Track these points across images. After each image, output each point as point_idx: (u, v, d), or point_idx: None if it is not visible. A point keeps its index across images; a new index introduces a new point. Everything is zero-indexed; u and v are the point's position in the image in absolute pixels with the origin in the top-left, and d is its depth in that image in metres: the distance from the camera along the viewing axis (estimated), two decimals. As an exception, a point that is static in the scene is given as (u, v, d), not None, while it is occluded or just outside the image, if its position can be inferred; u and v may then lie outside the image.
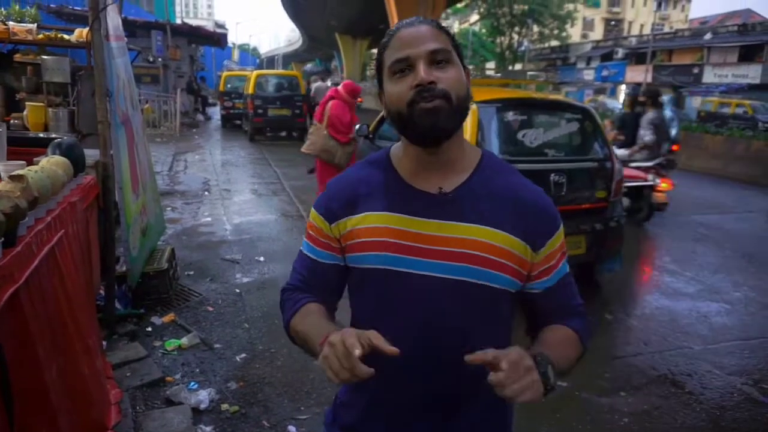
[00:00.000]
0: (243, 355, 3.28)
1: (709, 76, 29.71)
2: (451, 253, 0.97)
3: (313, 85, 15.18)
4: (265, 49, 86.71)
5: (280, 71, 16.82)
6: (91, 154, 3.28)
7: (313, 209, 1.10)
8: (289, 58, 73.17)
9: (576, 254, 4.20)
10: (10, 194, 1.81)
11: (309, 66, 41.07)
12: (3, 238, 1.65)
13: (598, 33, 52.30)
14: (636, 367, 3.34)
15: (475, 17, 44.36)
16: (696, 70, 30.73)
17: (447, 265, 0.97)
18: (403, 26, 0.99)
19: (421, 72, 0.93)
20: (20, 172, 2.10)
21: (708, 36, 31.27)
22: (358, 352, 0.80)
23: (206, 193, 7.97)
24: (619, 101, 30.92)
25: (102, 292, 3.44)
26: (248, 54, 70.02)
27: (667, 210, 6.80)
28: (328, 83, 14.14)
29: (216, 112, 20.24)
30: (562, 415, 2.82)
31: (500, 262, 0.97)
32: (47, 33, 4.53)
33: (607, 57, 37.81)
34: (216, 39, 23.55)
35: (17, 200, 1.82)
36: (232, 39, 49.79)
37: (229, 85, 17.46)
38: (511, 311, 1.07)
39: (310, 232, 1.11)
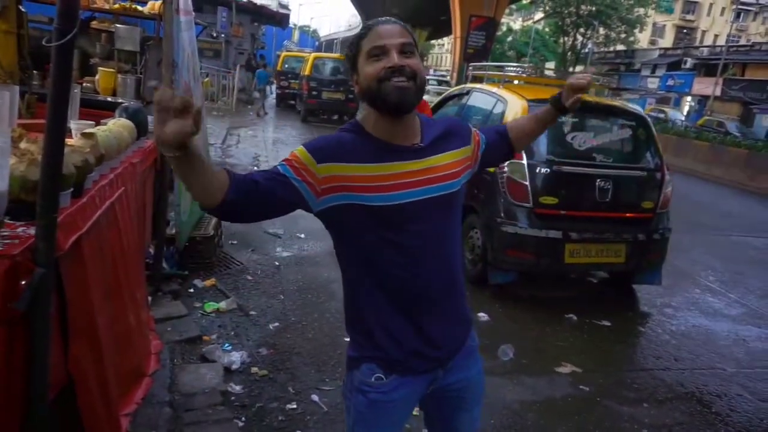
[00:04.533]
0: (276, 324, 3.43)
1: (785, 94, 28.01)
2: (437, 177, 1.31)
3: None
4: (325, 32, 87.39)
5: (338, 55, 17.00)
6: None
7: (302, 147, 1.26)
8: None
9: (615, 262, 4.16)
10: (81, 149, 1.98)
11: None
12: (72, 189, 1.81)
13: (668, 40, 50.08)
14: (663, 381, 3.30)
15: (539, 15, 43.29)
16: (770, 87, 29.04)
17: (437, 187, 1.30)
18: (379, 23, 1.26)
19: (395, 57, 1.21)
20: (90, 130, 2.27)
21: (788, 51, 29.45)
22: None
23: (255, 167, 8.22)
24: (683, 113, 29.63)
25: (151, 251, 3.66)
26: (308, 36, 70.70)
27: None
28: None
29: (272, 91, 20.63)
30: (581, 419, 2.83)
31: (462, 169, 1.39)
32: (122, 3, 4.78)
33: (674, 66, 36.22)
34: (278, 19, 23.98)
35: (87, 155, 1.98)
36: (293, 20, 50.42)
37: (286, 65, 17.79)
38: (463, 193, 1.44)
39: (293, 161, 1.23)
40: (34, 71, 4.06)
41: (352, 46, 1.28)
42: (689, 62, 35.12)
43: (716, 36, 49.96)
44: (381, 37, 1.23)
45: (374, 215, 1.25)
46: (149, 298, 3.27)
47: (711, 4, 51.96)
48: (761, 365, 3.69)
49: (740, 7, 44.23)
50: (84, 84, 4.45)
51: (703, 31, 52.26)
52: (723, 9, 51.61)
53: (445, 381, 1.42)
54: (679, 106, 32.74)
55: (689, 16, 52.09)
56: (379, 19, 1.28)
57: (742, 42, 41.74)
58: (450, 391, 1.44)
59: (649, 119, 4.51)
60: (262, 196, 1.19)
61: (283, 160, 1.25)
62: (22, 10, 3.60)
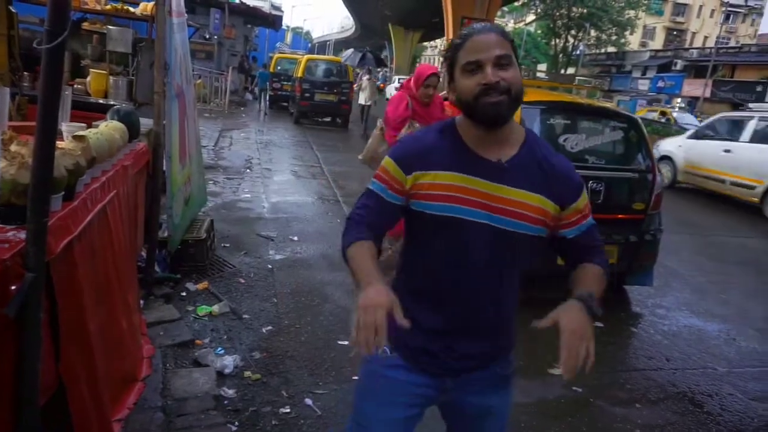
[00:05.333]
0: (269, 327, 3.41)
1: (773, 96, 28.32)
2: (504, 210, 1.27)
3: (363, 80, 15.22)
4: (317, 34, 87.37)
5: (331, 57, 17.02)
6: (145, 123, 3.46)
7: (389, 158, 1.34)
8: (341, 45, 73.49)
9: (606, 264, 4.17)
10: (72, 152, 1.96)
11: (349, 53, 27.32)
12: (63, 192, 1.79)
13: (658, 42, 50.49)
14: (655, 381, 3.32)
15: (531, 17, 43.49)
16: (759, 89, 29.37)
17: (500, 218, 1.26)
18: (475, 32, 1.25)
19: (489, 74, 1.20)
20: (82, 133, 2.26)
21: (776, 53, 29.78)
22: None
23: (248, 170, 8.20)
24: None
25: (143, 254, 3.63)
26: (301, 38, 70.67)
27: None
28: (379, 77, 14.51)
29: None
30: (574, 420, 2.84)
31: (536, 217, 1.28)
32: (114, 4, 4.76)
33: (664, 68, 36.56)
34: (271, 20, 23.93)
35: (78, 158, 1.97)
36: (286, 22, 50.33)
37: (279, 67, 17.73)
38: (535, 250, 1.36)
39: (384, 176, 1.34)
40: (25, 72, 4.04)
41: (450, 55, 1.29)
42: (679, 64, 35.46)
43: (706, 38, 50.41)
44: (476, 51, 1.22)
45: (432, 220, 1.29)
46: (141, 302, 3.25)
47: (701, 6, 52.42)
48: (751, 364, 3.73)
49: (729, 9, 44.68)
50: (75, 86, 4.42)
51: (693, 33, 52.71)
52: (712, 11, 52.08)
53: (461, 397, 1.42)
54: (670, 108, 32.92)
55: (679, 18, 52.54)
56: (476, 27, 1.27)
57: (732, 44, 42.12)
58: (468, 412, 1.44)
59: (640, 122, 4.54)
60: (386, 227, 1.37)
61: (375, 177, 1.36)
62: (13, 10, 3.58)
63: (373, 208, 1.35)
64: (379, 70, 17.60)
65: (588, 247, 1.39)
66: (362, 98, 14.91)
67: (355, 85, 15.05)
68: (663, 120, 21.50)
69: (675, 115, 22.89)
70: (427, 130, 1.37)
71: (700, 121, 21.68)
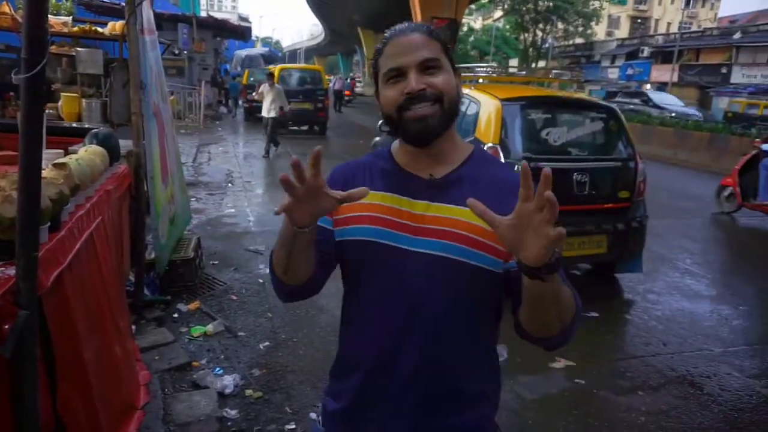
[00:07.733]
0: (266, 343, 3.36)
1: (738, 77, 29.06)
2: (436, 231, 1.02)
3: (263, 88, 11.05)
4: (287, 42, 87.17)
5: (303, 65, 16.95)
6: (124, 144, 3.39)
7: None
8: (312, 52, 73.41)
9: (597, 253, 4.21)
10: (54, 181, 1.90)
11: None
12: (49, 223, 1.74)
13: (623, 31, 51.44)
14: (654, 367, 3.34)
15: (499, 13, 43.94)
16: (724, 70, 30.10)
17: (431, 242, 1.02)
18: (395, 34, 1.06)
19: (412, 81, 1.01)
20: (62, 160, 2.19)
21: (737, 35, 30.56)
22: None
23: (229, 184, 8.11)
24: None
25: (131, 278, 3.55)
26: (271, 47, 70.41)
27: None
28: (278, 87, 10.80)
29: (239, 105, 20.40)
30: (579, 413, 2.85)
31: (481, 241, 1.01)
32: (82, 26, 4.66)
33: (632, 55, 37.24)
34: (240, 32, 23.76)
35: (61, 187, 1.91)
36: (255, 32, 50.13)
37: (252, 78, 17.63)
38: (495, 294, 1.08)
39: None
40: (-6, 101, 3.93)
41: (373, 64, 1.10)
42: (646, 51, 36.15)
43: (669, 24, 51.53)
44: (396, 55, 1.03)
45: (351, 249, 1.08)
46: (133, 327, 3.17)
47: (662, -6, 53.53)
48: (745, 342, 3.78)
49: (689, -6, 45.66)
50: (47, 111, 4.31)
51: (656, 20, 53.83)
52: (673, -3, 53.21)
53: None
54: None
55: (642, 6, 53.58)
56: (397, 29, 1.08)
57: (694, 28, 43.09)
58: None
59: (618, 111, 4.59)
60: (319, 254, 1.08)
61: None
62: (-22, 39, 3.49)
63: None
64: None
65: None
66: (264, 109, 10.89)
67: (255, 95, 11.99)
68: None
69: None
70: (364, 156, 1.20)
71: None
